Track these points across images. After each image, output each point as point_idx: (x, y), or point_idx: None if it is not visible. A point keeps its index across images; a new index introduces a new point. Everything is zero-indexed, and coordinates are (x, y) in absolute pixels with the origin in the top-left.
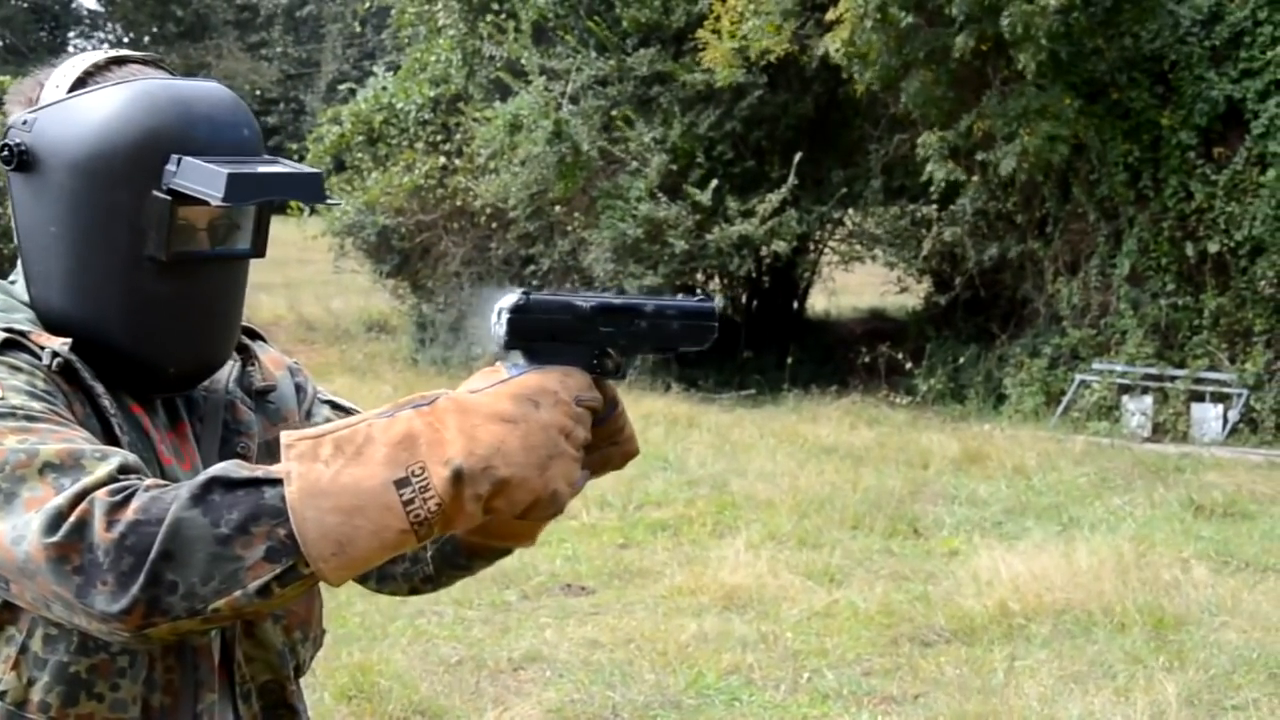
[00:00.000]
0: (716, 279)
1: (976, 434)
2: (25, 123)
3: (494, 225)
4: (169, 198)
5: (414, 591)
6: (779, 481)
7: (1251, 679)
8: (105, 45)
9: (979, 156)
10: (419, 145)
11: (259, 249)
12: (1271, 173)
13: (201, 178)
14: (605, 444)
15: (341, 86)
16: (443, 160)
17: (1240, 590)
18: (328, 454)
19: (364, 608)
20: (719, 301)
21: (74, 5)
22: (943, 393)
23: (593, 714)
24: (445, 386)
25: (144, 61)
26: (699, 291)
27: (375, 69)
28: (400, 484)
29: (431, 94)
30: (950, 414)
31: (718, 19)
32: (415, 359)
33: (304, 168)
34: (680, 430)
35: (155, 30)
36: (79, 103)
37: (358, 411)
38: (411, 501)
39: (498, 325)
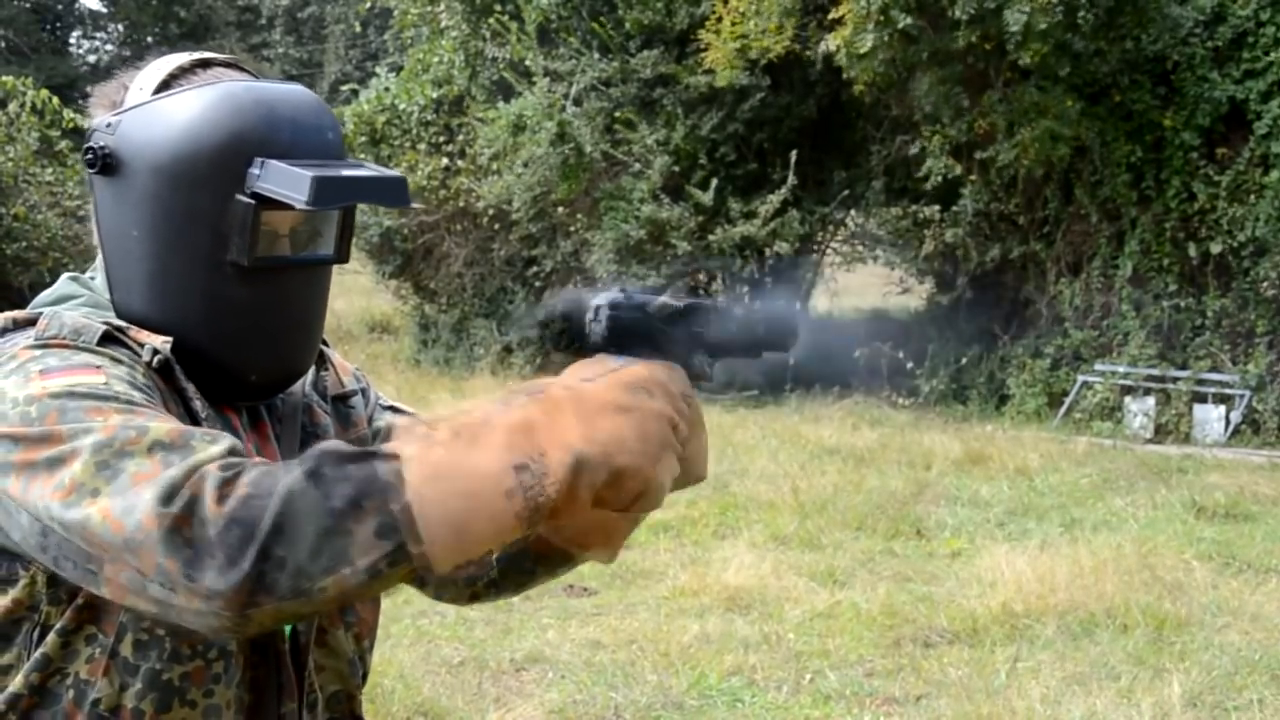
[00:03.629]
0: (719, 280)
1: (979, 435)
2: (109, 125)
3: (496, 226)
4: (253, 201)
5: (474, 598)
6: (781, 482)
7: (1254, 680)
8: (108, 46)
9: (979, 155)
10: (421, 146)
11: (342, 255)
12: (1274, 173)
13: (286, 181)
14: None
15: (344, 87)
16: (445, 161)
17: (1242, 591)
18: (445, 438)
19: None
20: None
21: (76, 5)
22: (945, 394)
23: (595, 715)
24: (446, 386)
25: (227, 64)
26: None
27: (378, 70)
28: (520, 469)
29: (434, 95)
30: (952, 415)
31: (719, 20)
32: (418, 360)
33: (389, 171)
34: None
35: (158, 30)
36: (163, 105)
37: (414, 414)
38: (531, 487)
39: (596, 323)
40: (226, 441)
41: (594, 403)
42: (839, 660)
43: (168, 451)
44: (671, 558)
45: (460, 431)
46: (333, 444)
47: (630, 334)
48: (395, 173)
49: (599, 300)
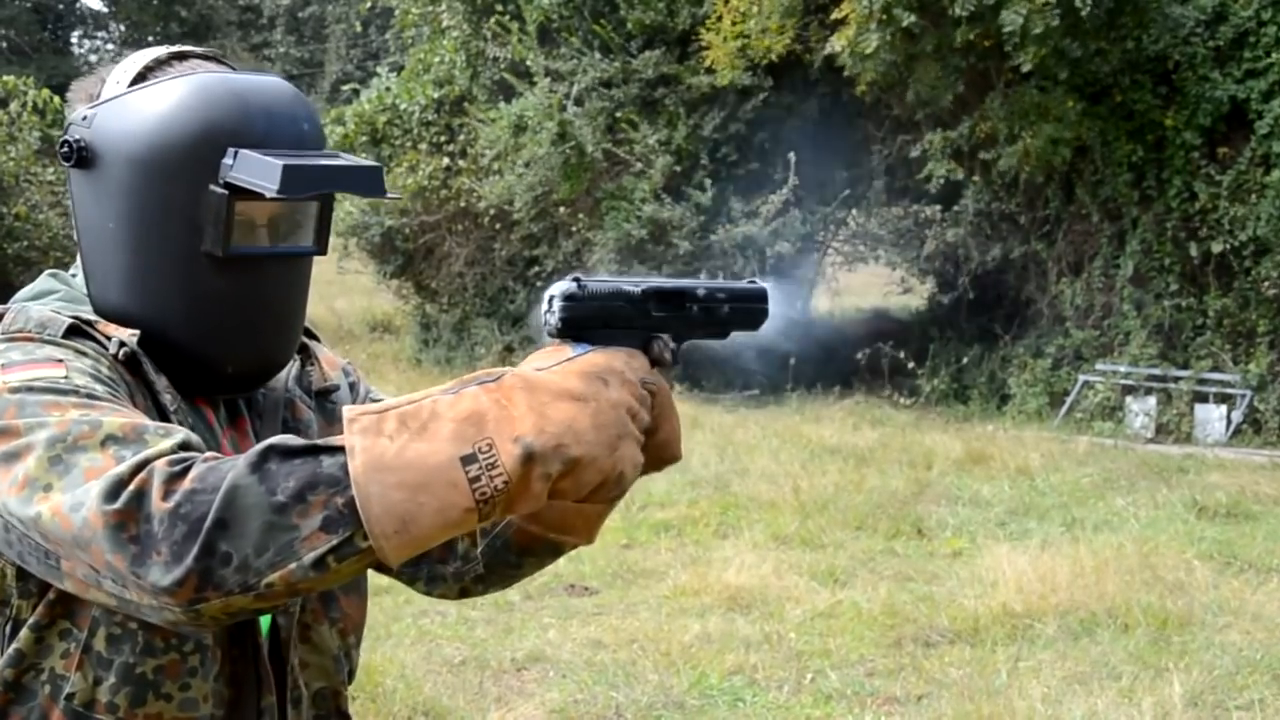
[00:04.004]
0: (720, 280)
1: (980, 434)
2: (85, 119)
3: (498, 226)
4: (226, 192)
5: (464, 593)
6: (782, 482)
7: (1255, 680)
8: (109, 46)
9: (981, 157)
10: (423, 146)
11: (321, 246)
12: (1276, 173)
13: (257, 170)
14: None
15: (345, 87)
16: (446, 161)
17: (1243, 591)
18: (392, 429)
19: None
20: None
21: (77, 5)
22: (946, 393)
23: (596, 714)
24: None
25: (205, 56)
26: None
27: (379, 70)
28: (467, 460)
29: (435, 95)
30: (954, 414)
31: (719, 19)
32: (419, 359)
33: (363, 160)
34: (683, 430)
35: (159, 30)
36: (136, 97)
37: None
38: (478, 479)
39: (549, 313)
40: (180, 435)
41: (547, 392)
42: (840, 660)
43: (120, 446)
44: (672, 557)
45: (407, 421)
46: (280, 437)
47: (586, 322)
48: (371, 162)
49: (552, 290)
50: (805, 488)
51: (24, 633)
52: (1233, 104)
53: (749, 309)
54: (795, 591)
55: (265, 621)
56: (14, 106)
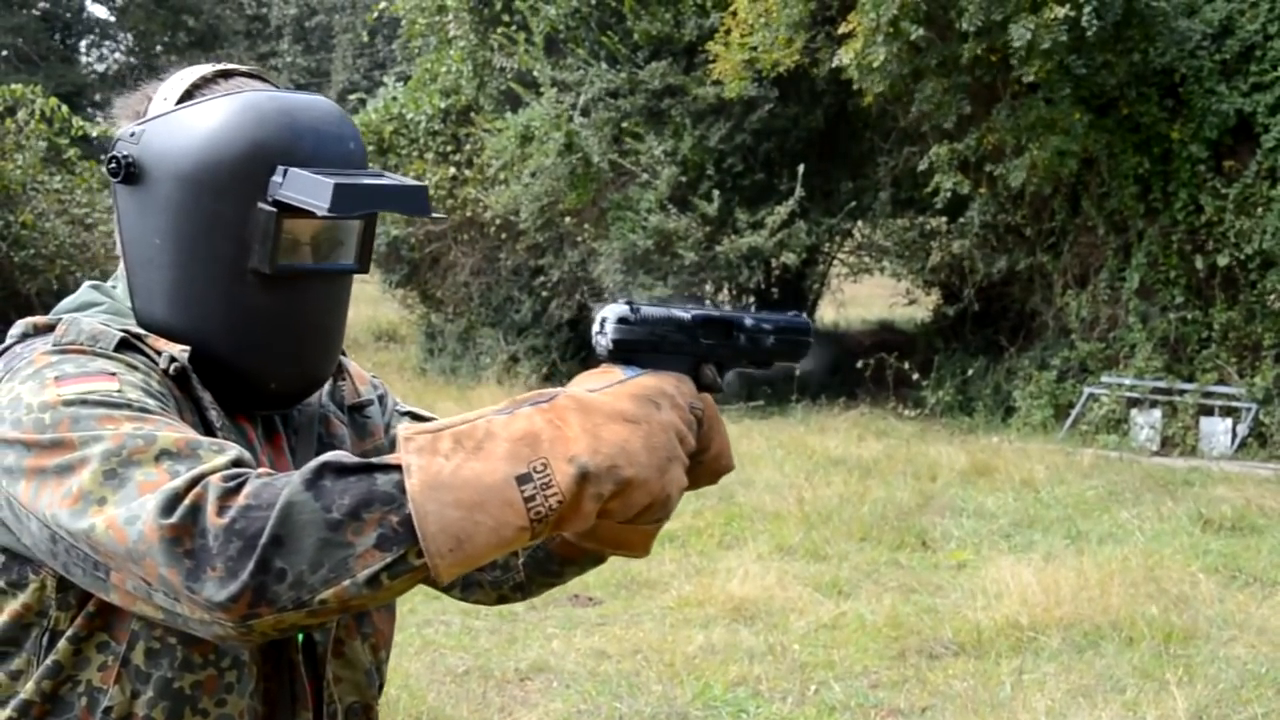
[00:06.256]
0: (726, 290)
1: (985, 446)
2: (133, 135)
3: (503, 236)
4: (274, 209)
5: (501, 600)
6: (787, 493)
7: (1260, 694)
8: (117, 55)
9: (988, 169)
10: (429, 156)
11: (363, 264)
12: None
13: (307, 188)
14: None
15: (351, 97)
16: (453, 171)
17: (1249, 604)
18: (447, 448)
19: None
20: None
21: (85, 14)
22: (951, 405)
23: None
24: (452, 395)
25: (249, 74)
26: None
27: (385, 79)
28: (522, 480)
29: (442, 105)
30: (958, 426)
31: (728, 31)
32: (424, 368)
33: (409, 181)
34: None
35: (167, 40)
36: (186, 115)
37: (435, 419)
38: (533, 498)
39: (601, 335)
40: (234, 451)
41: (600, 413)
42: (844, 671)
43: (174, 461)
44: (677, 568)
45: (463, 441)
46: (334, 455)
47: (636, 345)
48: (416, 182)
49: (605, 312)
50: (810, 499)
51: (61, 645)
52: (1239, 117)
53: (793, 341)
54: (799, 603)
55: (299, 638)
56: (21, 115)
